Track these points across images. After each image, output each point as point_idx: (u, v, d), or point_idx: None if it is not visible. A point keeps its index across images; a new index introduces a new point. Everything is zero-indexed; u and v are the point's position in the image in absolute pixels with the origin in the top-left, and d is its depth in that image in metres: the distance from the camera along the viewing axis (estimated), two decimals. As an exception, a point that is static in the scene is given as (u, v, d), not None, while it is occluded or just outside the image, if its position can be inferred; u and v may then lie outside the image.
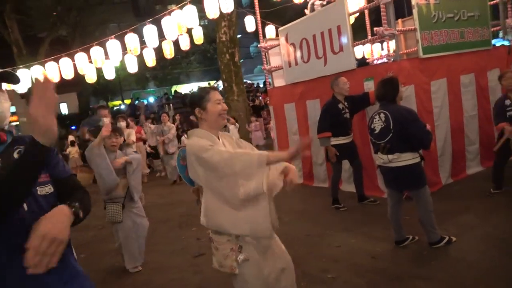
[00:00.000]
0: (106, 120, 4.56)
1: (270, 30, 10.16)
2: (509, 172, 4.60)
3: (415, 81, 4.97)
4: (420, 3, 5.02)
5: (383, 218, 3.92)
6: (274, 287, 2.10)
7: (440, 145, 5.19)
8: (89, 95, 25.25)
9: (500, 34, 6.62)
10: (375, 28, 5.10)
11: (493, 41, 6.51)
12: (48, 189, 1.41)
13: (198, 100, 2.17)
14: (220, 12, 7.76)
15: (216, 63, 26.60)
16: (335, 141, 4.81)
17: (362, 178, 5.06)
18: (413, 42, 5.36)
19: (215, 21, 10.49)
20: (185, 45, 9.85)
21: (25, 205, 1.31)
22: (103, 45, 8.88)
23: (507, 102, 4.32)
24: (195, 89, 24.46)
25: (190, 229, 5.06)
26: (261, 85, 21.68)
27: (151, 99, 25.02)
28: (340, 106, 4.83)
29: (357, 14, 6.94)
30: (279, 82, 7.25)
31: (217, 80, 24.35)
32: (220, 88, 21.53)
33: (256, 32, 10.17)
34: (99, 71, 9.59)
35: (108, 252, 4.57)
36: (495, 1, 6.11)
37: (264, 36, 8.05)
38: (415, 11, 5.01)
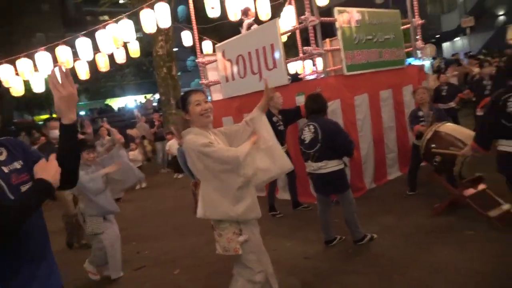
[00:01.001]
0: (56, 133, 4.47)
1: (207, 45, 10.41)
2: (421, 176, 5.23)
3: (340, 96, 5.47)
4: (343, 26, 5.56)
5: (315, 222, 4.26)
6: (267, 260, 2.58)
7: (363, 154, 5.72)
8: (12, 109, 23.46)
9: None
10: (304, 48, 5.55)
11: (407, 61, 7.36)
12: (29, 185, 1.51)
13: (182, 104, 2.44)
14: (157, 27, 7.85)
15: (152, 76, 26.25)
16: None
17: (295, 185, 5.41)
18: (340, 59, 5.89)
19: (151, 35, 10.51)
20: (121, 59, 9.77)
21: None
22: (31, 56, 8.49)
23: (420, 113, 4.94)
24: (130, 103, 23.62)
25: (130, 243, 5.02)
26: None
27: (82, 113, 23.93)
28: (275, 119, 5.16)
29: (289, 33, 7.43)
30: (217, 96, 7.48)
31: (154, 93, 23.99)
32: (156, 102, 21.29)
33: (193, 46, 10.37)
34: (26, 83, 9.12)
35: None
36: (407, 26, 6.90)
37: (201, 51, 8.25)
38: (339, 33, 5.54)
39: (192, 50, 16.31)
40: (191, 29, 9.50)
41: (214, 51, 10.10)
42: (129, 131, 11.33)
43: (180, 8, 21.40)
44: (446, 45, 27.72)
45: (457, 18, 24.48)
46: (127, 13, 8.12)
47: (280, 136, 5.22)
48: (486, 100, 5.49)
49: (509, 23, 20.44)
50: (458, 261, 3.24)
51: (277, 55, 5.78)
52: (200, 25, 7.87)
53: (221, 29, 12.85)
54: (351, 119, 5.59)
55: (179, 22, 13.33)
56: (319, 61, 5.65)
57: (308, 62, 9.60)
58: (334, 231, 4.04)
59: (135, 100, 21.79)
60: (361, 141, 5.69)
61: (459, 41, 26.07)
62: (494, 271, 3.01)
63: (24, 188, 1.48)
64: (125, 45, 9.25)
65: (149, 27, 7.78)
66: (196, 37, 7.65)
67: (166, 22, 7.75)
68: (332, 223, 4.06)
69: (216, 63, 7.25)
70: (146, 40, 13.86)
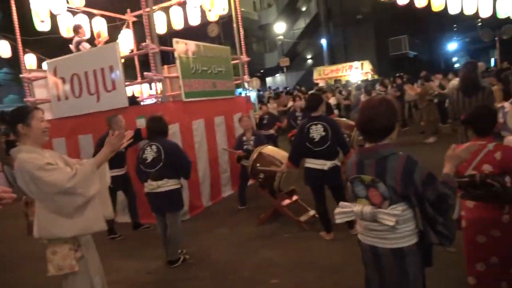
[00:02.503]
0: None
1: (30, 58, 9.41)
2: (249, 192, 6.02)
3: (179, 120, 5.87)
4: (182, 56, 6.04)
5: (156, 240, 4.44)
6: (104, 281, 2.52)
7: (201, 174, 6.23)
8: None
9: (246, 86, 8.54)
10: (145, 73, 5.78)
11: (237, 91, 8.34)
12: None
13: (22, 116, 2.27)
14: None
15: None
16: (110, 173, 5.05)
17: (136, 206, 5.48)
18: (177, 85, 6.30)
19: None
20: None
21: None
22: None
23: (244, 138, 5.75)
24: None
25: None
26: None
27: None
28: (123, 149, 5.16)
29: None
30: (45, 115, 6.87)
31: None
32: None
33: (11, 58, 9.24)
34: None
35: None
36: (236, 61, 7.88)
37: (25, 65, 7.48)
38: (177, 62, 5.98)
39: (8, 62, 14.31)
40: (10, 39, 8.52)
41: (38, 65, 9.26)
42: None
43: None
44: (269, 80, 31.66)
45: (277, 57, 28.43)
46: None
47: (121, 158, 5.26)
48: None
49: (315, 65, 24.99)
50: (278, 257, 3.97)
51: (116, 77, 5.82)
52: (22, 35, 7.17)
53: (46, 43, 11.80)
54: (189, 142, 6.04)
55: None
56: (158, 85, 5.94)
57: (146, 86, 9.77)
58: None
59: None
60: (199, 162, 6.18)
61: (279, 77, 30.19)
62: (304, 261, 3.83)
63: None
64: None
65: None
66: (21, 50, 6.96)
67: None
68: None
69: (44, 80, 6.72)
70: None
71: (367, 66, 20.52)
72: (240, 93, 8.38)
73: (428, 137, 9.22)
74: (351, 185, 1.91)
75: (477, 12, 8.83)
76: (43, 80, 6.75)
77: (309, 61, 30.27)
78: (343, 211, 1.92)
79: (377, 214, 1.79)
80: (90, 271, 2.41)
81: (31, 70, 7.36)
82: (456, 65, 29.42)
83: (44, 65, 6.74)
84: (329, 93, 14.36)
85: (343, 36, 26.90)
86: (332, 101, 13.07)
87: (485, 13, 8.82)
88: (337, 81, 19.77)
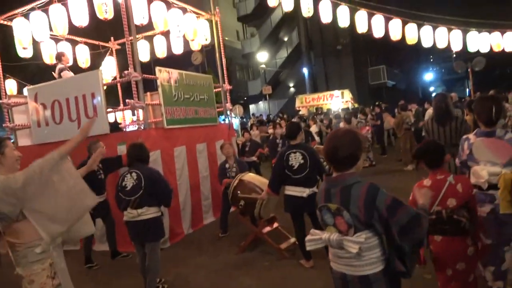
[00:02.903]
0: None
1: (10, 84, 9.33)
2: (231, 219, 6.01)
3: (161, 147, 5.88)
4: (164, 84, 6.13)
5: (135, 269, 4.36)
6: None
7: (182, 200, 6.19)
8: None
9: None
10: (127, 100, 5.83)
11: (220, 118, 8.45)
12: None
13: None
14: None
15: None
16: (89, 200, 5.01)
17: (114, 234, 5.38)
18: (160, 112, 6.33)
19: None
20: None
21: None
22: None
23: (227, 165, 5.79)
24: None
25: None
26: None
27: None
28: (96, 167, 5.13)
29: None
30: (24, 141, 6.79)
31: None
32: None
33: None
34: None
35: None
36: (218, 89, 8.02)
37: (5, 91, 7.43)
38: (160, 89, 6.06)
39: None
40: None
41: (18, 90, 9.19)
42: None
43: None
44: (252, 107, 32.09)
45: (260, 85, 28.94)
46: None
47: (100, 185, 5.22)
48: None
49: (298, 93, 25.50)
50: (258, 285, 3.96)
51: (98, 104, 5.84)
52: (3, 61, 7.17)
53: (26, 69, 11.77)
54: (170, 168, 6.03)
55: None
56: (140, 111, 5.97)
57: (128, 112, 9.79)
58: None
59: None
60: (180, 188, 6.16)
61: (262, 104, 30.63)
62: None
63: None
64: None
65: None
66: (1, 76, 6.94)
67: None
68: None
69: (24, 106, 6.68)
70: None
71: (348, 94, 21.05)
72: (223, 120, 8.47)
73: (407, 165, 9.45)
74: (319, 213, 1.97)
75: (449, 45, 9.32)
76: (23, 106, 6.71)
77: (292, 89, 30.89)
78: (313, 238, 1.96)
79: (343, 241, 1.84)
80: (69, 282, 2.46)
81: (11, 96, 7.30)
82: (433, 95, 30.56)
83: (25, 91, 6.72)
84: (311, 121, 14.64)
85: (324, 66, 27.69)
86: (314, 128, 13.31)
87: (456, 47, 9.32)
88: (318, 109, 20.15)
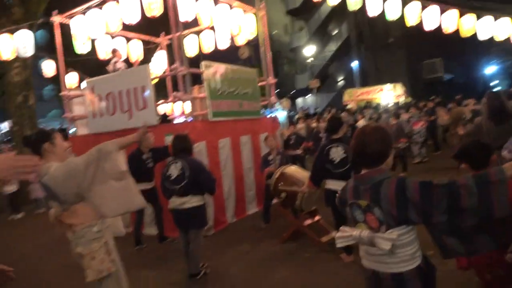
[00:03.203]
0: None
1: (72, 77, 10.03)
2: (274, 210, 6.07)
3: (206, 139, 6.07)
4: (209, 78, 6.29)
5: (179, 253, 4.57)
6: None
7: (226, 191, 6.36)
8: None
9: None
10: (174, 93, 6.06)
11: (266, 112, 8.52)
12: None
13: (47, 137, 2.60)
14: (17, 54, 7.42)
15: (-3, 102, 23.02)
16: (139, 186, 5.29)
17: (162, 220, 5.65)
18: (206, 105, 6.53)
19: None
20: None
21: None
22: None
23: (270, 157, 5.86)
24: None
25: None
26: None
27: None
28: (145, 156, 5.42)
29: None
30: (82, 131, 7.31)
31: (1, 122, 21.18)
32: (3, 131, 18.78)
33: (55, 76, 9.88)
34: None
35: None
36: (263, 83, 8.09)
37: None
38: (205, 83, 6.24)
39: (51, 79, 15.26)
40: (54, 59, 9.14)
41: (80, 83, 9.86)
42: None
43: (38, 33, 19.84)
44: (299, 101, 31.89)
45: (307, 79, 28.66)
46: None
47: (149, 173, 5.49)
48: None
49: (346, 87, 24.97)
50: (296, 276, 3.99)
51: (147, 97, 6.13)
52: (65, 57, 7.72)
53: (85, 63, 12.55)
54: (215, 160, 6.21)
55: (39, 49, 12.46)
56: (187, 104, 6.18)
57: (177, 104, 10.16)
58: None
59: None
60: (224, 179, 6.33)
61: (309, 98, 30.33)
62: (321, 281, 3.84)
63: None
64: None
65: (5, 54, 7.29)
66: (63, 70, 7.49)
67: (28, 51, 7.41)
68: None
69: (81, 97, 7.17)
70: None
71: (399, 88, 20.27)
72: (268, 114, 8.51)
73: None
74: (349, 210, 1.94)
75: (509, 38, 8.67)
76: (82, 97, 7.20)
77: (340, 83, 30.30)
78: (343, 235, 1.93)
79: (374, 238, 1.80)
80: (120, 272, 2.69)
81: (71, 89, 7.87)
82: (496, 89, 28.48)
83: (83, 84, 7.21)
84: (359, 115, 14.31)
85: (374, 59, 26.80)
86: (362, 123, 13.00)
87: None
88: (368, 103, 19.60)
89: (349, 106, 20.06)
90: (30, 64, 10.74)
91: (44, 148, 2.58)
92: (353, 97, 21.59)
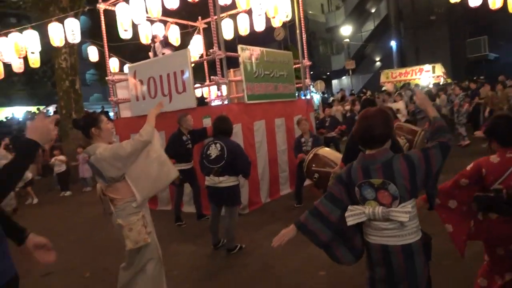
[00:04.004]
0: None
1: (113, 62, 10.51)
2: (305, 191, 6.25)
3: (242, 121, 6.28)
4: (245, 61, 6.45)
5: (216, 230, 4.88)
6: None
7: (260, 172, 6.59)
8: None
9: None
10: (212, 77, 6.28)
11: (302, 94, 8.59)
12: None
13: (94, 122, 2.86)
14: (65, 40, 7.88)
15: (45, 86, 24.33)
16: (179, 167, 5.62)
17: (200, 198, 5.98)
18: (242, 88, 6.72)
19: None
20: (18, 67, 9.33)
21: None
22: None
23: (303, 140, 6.00)
24: (17, 113, 21.46)
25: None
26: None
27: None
28: (184, 138, 5.72)
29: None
30: (126, 113, 7.74)
31: (47, 105, 22.36)
32: (51, 114, 19.90)
33: (98, 61, 10.40)
34: None
35: None
36: (298, 65, 8.14)
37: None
38: (241, 66, 6.40)
39: (94, 64, 15.98)
40: (98, 45, 9.61)
41: (120, 68, 10.34)
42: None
43: (82, 19, 20.63)
44: (334, 82, 31.41)
45: (344, 60, 28.10)
46: (32, 24, 7.98)
47: (188, 154, 5.80)
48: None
49: (383, 68, 24.30)
50: (324, 253, 4.14)
51: (186, 81, 6.39)
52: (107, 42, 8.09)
53: (125, 48, 13.03)
54: (250, 141, 6.42)
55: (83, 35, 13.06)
56: (224, 87, 6.38)
57: (214, 87, 10.42)
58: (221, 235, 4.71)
59: (28, 111, 20.00)
60: (259, 160, 6.55)
61: (345, 80, 29.80)
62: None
63: None
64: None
65: (57, 40, 7.77)
66: (107, 56, 7.88)
67: (75, 37, 7.84)
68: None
69: (125, 82, 7.55)
70: (43, 50, 13.23)
71: (439, 69, 19.52)
72: (303, 96, 8.58)
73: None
74: (358, 189, 2.02)
75: None
76: (125, 82, 7.59)
77: (377, 64, 29.47)
78: (354, 213, 2.01)
79: (390, 212, 1.92)
80: (156, 243, 2.98)
81: (114, 73, 8.29)
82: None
83: (125, 69, 7.58)
84: (397, 97, 13.97)
85: (414, 38, 25.79)
86: (401, 105, 12.66)
87: None
88: (405, 84, 19.04)
89: (385, 88, 19.60)
90: (76, 50, 11.32)
91: (91, 132, 2.86)
92: (390, 78, 21.04)
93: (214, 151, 4.39)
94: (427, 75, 19.53)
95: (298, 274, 3.76)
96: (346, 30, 28.26)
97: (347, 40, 26.54)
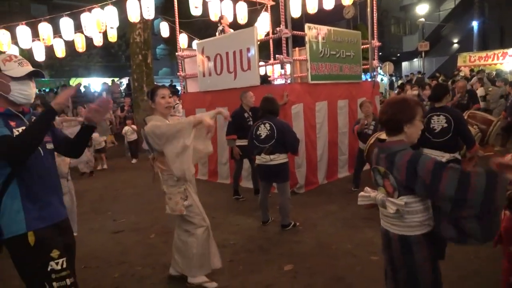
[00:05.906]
0: None
1: (182, 38, 10.91)
2: (364, 176, 6.15)
3: (304, 101, 6.28)
4: (311, 40, 6.37)
5: (272, 206, 5.02)
6: (207, 221, 3.25)
7: (319, 153, 6.58)
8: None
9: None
10: (277, 56, 6.31)
11: (364, 77, 8.32)
12: (50, 146, 2.15)
13: (151, 95, 3.12)
14: (141, 16, 8.32)
15: (119, 60, 25.94)
16: (239, 142, 5.83)
17: (257, 175, 6.14)
18: (306, 68, 6.67)
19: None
20: (99, 41, 10.06)
21: (41, 151, 2.03)
22: (11, 29, 8.66)
23: (365, 122, 5.85)
24: (94, 84, 23.25)
25: (106, 213, 5.55)
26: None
27: (46, 90, 23.31)
28: (246, 115, 5.87)
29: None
30: (193, 88, 8.07)
31: (120, 77, 23.84)
32: (124, 87, 21.24)
33: (169, 37, 10.84)
34: None
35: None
36: (366, 46, 7.86)
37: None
38: (307, 46, 6.34)
39: (164, 39, 16.62)
40: (170, 21, 10.00)
41: (189, 44, 10.72)
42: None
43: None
44: (405, 64, 29.71)
45: (417, 41, 26.41)
46: (113, 0, 8.51)
47: (249, 130, 5.94)
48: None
49: (461, 51, 22.50)
50: (379, 238, 4.11)
51: (252, 58, 6.49)
52: (176, 17, 8.40)
53: (193, 25, 13.41)
54: (311, 122, 6.42)
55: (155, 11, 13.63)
56: (288, 66, 6.38)
57: (277, 66, 10.43)
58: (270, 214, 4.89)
59: (104, 83, 21.55)
60: (318, 141, 6.54)
61: (416, 62, 28.07)
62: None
63: (48, 145, 2.11)
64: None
65: (133, 16, 8.23)
66: (178, 32, 8.21)
67: (150, 13, 8.24)
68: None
69: (192, 58, 7.84)
70: (119, 25, 14.06)
71: (526, 53, 17.66)
72: (370, 78, 8.28)
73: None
74: (372, 173, 2.13)
75: None
76: (193, 58, 7.88)
77: (454, 46, 27.33)
78: (364, 195, 2.16)
79: (385, 201, 1.99)
80: (201, 214, 3.22)
81: (183, 49, 8.62)
82: None
83: (194, 45, 7.85)
84: (478, 83, 12.97)
85: (500, 18, 23.41)
86: (480, 92, 11.75)
87: None
88: (481, 70, 17.51)
89: (462, 73, 18.21)
90: (150, 26, 11.89)
91: (150, 104, 3.14)
92: (468, 62, 19.48)
93: (263, 131, 4.54)
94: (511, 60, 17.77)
95: (350, 257, 3.79)
96: (422, 9, 26.45)
97: (422, 19, 24.79)
